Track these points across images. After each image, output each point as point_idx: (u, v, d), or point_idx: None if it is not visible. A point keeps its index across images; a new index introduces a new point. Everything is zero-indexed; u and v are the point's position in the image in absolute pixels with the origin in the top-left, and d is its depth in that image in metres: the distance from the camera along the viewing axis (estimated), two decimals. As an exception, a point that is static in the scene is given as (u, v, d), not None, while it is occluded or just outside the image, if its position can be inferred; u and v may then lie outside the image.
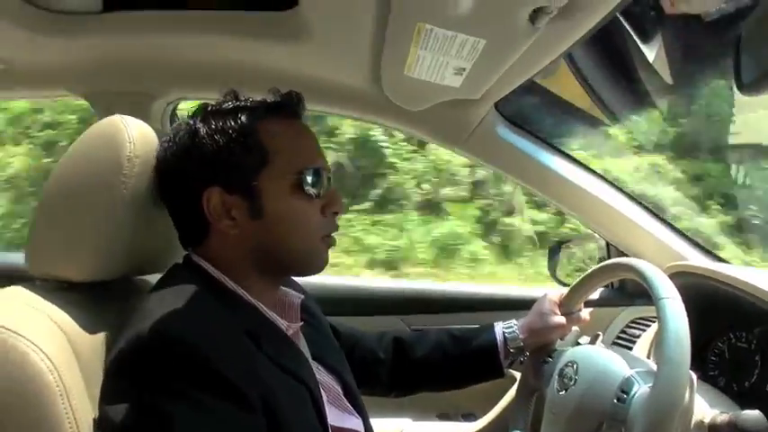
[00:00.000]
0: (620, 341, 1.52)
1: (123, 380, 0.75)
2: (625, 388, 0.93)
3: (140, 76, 1.42)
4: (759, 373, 1.19)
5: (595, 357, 1.04)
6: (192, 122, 0.91)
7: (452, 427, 1.63)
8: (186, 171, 0.90)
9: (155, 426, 0.70)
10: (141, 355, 0.74)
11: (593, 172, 1.49)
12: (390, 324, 1.59)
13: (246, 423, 0.75)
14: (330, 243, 0.98)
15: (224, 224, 0.90)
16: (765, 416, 0.95)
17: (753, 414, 0.89)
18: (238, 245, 0.91)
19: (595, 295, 1.64)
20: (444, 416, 1.68)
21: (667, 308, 0.88)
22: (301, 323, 1.00)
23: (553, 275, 1.76)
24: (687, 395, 0.89)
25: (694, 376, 0.91)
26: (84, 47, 1.32)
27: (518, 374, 1.30)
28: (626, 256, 1.50)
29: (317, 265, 0.97)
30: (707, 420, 0.94)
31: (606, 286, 1.69)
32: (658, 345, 0.85)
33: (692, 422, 0.95)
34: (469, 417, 1.66)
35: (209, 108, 0.94)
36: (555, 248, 1.84)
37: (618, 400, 0.92)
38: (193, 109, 0.96)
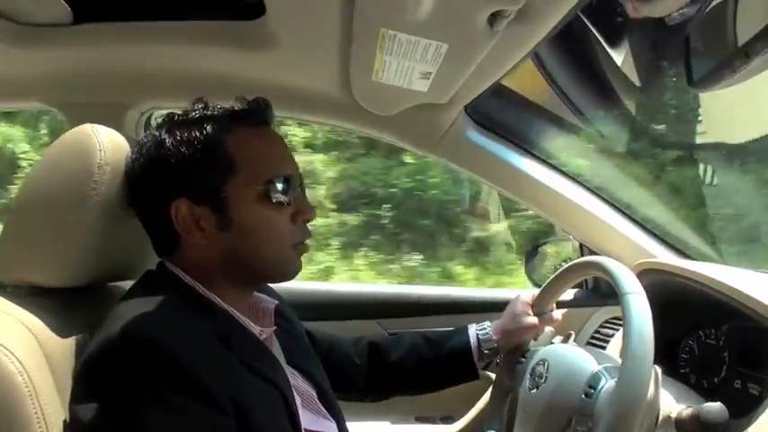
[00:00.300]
0: (593, 341, 1.54)
1: (93, 382, 0.75)
2: (593, 383, 0.95)
3: (113, 87, 1.42)
4: (727, 370, 1.21)
5: (565, 355, 1.05)
6: (158, 133, 0.91)
7: (430, 430, 1.63)
8: (154, 183, 0.90)
9: (125, 427, 0.70)
10: (111, 358, 0.74)
11: (564, 173, 1.51)
12: (367, 328, 1.60)
13: (217, 424, 0.75)
14: (302, 250, 0.97)
15: (194, 236, 0.90)
16: (731, 410, 0.97)
17: (715, 406, 0.91)
18: (209, 255, 0.91)
19: (569, 296, 1.66)
20: (423, 419, 1.68)
21: (631, 303, 0.89)
22: (275, 328, 1.00)
23: (530, 278, 1.78)
24: (652, 389, 0.91)
25: (659, 370, 0.93)
26: (55, 58, 1.33)
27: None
28: (596, 255, 1.52)
29: (289, 273, 0.97)
30: (673, 415, 0.96)
31: (580, 287, 1.71)
32: (623, 340, 0.87)
33: (659, 417, 0.96)
34: (448, 419, 1.66)
35: (176, 118, 0.94)
36: (531, 251, 1.86)
37: (585, 395, 0.94)
38: (160, 119, 0.96)
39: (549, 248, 1.82)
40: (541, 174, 1.50)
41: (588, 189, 1.53)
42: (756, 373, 1.13)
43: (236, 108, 0.95)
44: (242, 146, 0.91)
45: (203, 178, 0.89)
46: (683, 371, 1.31)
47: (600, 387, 0.93)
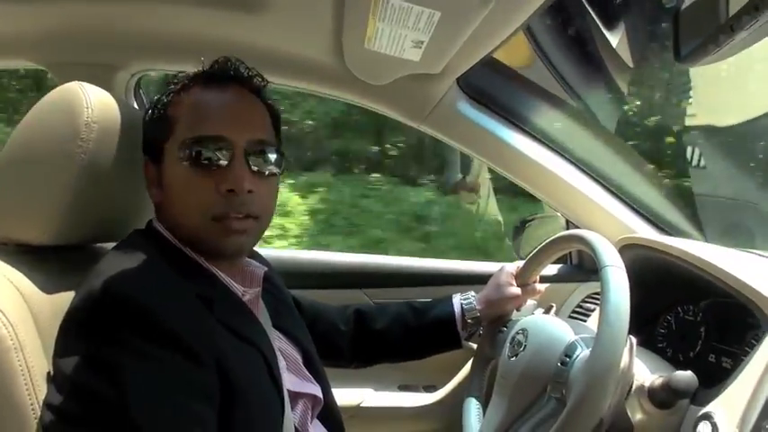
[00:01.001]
0: (575, 315, 1.57)
1: (75, 335, 0.76)
2: (568, 352, 0.97)
3: (102, 47, 1.40)
4: (702, 344, 1.24)
5: (544, 325, 1.08)
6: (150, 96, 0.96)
7: (412, 398, 1.66)
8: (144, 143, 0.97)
9: (105, 377, 0.71)
10: (92, 312, 0.75)
11: (553, 149, 1.52)
12: (354, 297, 1.61)
13: (197, 376, 0.76)
14: (229, 226, 0.88)
15: (151, 192, 0.94)
16: (704, 381, 1.00)
17: (685, 374, 0.93)
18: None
19: (554, 271, 1.69)
20: (405, 387, 1.71)
21: (610, 275, 0.91)
22: (258, 289, 1.01)
23: (517, 253, 1.80)
24: (626, 358, 0.93)
25: (634, 341, 0.95)
26: (43, 15, 1.31)
27: None
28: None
29: (212, 247, 0.90)
30: (647, 384, 0.98)
31: (564, 263, 1.74)
32: (599, 311, 0.89)
33: (633, 385, 0.99)
34: (430, 388, 1.69)
35: (166, 82, 0.97)
36: (519, 227, 1.88)
37: (561, 363, 0.96)
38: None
39: (536, 224, 1.85)
40: (530, 149, 1.51)
41: (576, 165, 1.54)
42: (730, 347, 1.16)
43: (199, 70, 0.97)
44: (182, 105, 0.92)
45: (149, 136, 0.94)
46: (660, 344, 1.34)
47: (575, 356, 0.96)
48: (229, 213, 0.87)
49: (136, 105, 1.50)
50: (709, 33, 0.67)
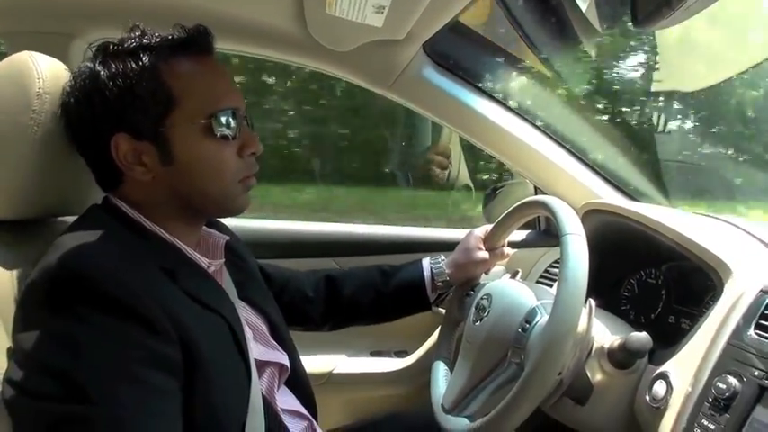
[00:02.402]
0: (543, 280, 1.59)
1: (32, 308, 0.75)
2: (529, 318, 0.99)
3: (56, 15, 1.34)
4: (663, 306, 1.27)
5: (508, 290, 1.09)
6: (92, 65, 0.87)
7: (384, 363, 1.69)
8: (91, 118, 0.87)
9: (63, 351, 0.70)
10: (49, 286, 0.74)
11: (520, 115, 1.52)
12: (324, 266, 1.61)
13: (157, 346, 0.75)
14: (249, 185, 0.96)
15: (135, 171, 0.88)
16: (663, 342, 1.03)
17: (640, 335, 0.96)
18: (154, 190, 0.90)
19: (522, 236, 1.71)
20: (377, 353, 1.74)
21: (569, 243, 0.92)
22: (223, 260, 1.00)
23: (488, 219, 1.82)
24: (585, 322, 0.95)
25: (593, 303, 0.97)
26: None
27: None
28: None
29: (236, 208, 0.96)
30: (606, 345, 1.01)
31: (532, 228, 1.76)
32: (558, 278, 0.90)
33: (593, 347, 1.02)
34: (401, 353, 1.72)
35: (111, 48, 0.88)
36: (490, 194, 1.90)
37: (522, 329, 0.98)
38: (94, 49, 0.90)
39: (506, 191, 1.86)
40: (497, 115, 1.51)
41: (542, 131, 1.54)
42: (689, 309, 1.20)
43: (175, 36, 0.90)
44: (181, 77, 0.87)
45: (141, 113, 0.86)
46: (624, 307, 1.37)
47: (535, 322, 0.98)
48: (250, 174, 0.95)
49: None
50: (662, -4, 0.67)
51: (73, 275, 0.74)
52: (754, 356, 0.85)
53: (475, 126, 1.51)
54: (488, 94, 1.50)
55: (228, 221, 1.16)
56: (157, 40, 0.89)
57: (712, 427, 0.82)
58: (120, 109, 0.85)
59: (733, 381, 0.83)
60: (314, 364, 1.60)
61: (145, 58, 0.86)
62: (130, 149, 0.87)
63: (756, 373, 0.82)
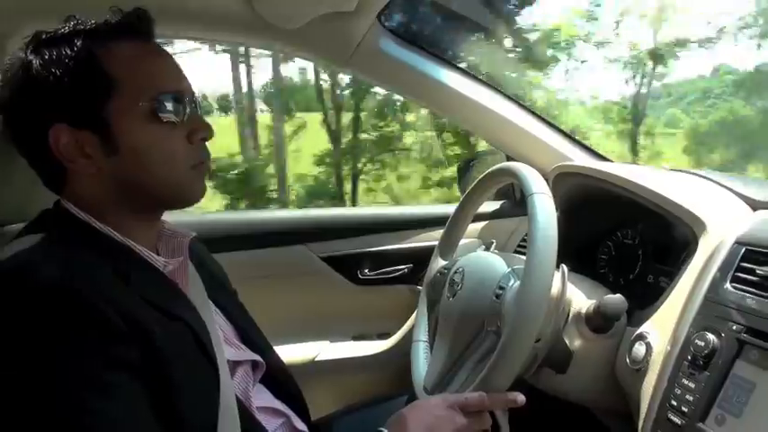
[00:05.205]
0: (520, 249, 1.57)
1: None
2: (502, 284, 0.96)
3: None
4: (641, 266, 1.25)
5: (479, 262, 1.06)
6: (24, 55, 0.82)
7: (367, 346, 1.67)
8: (25, 110, 0.82)
9: (13, 364, 0.68)
10: None
11: (483, 82, 1.48)
12: (297, 253, 1.58)
13: (113, 350, 0.72)
14: (203, 171, 0.92)
15: (79, 164, 0.83)
16: (642, 302, 1.01)
17: (614, 298, 0.94)
18: (100, 183, 0.85)
19: (496, 207, 1.68)
20: (360, 337, 1.71)
21: (536, 203, 0.88)
22: (182, 258, 0.96)
23: (463, 193, 1.79)
24: (558, 287, 0.93)
25: (566, 268, 0.94)
26: None
27: None
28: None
29: (191, 196, 0.92)
30: (583, 311, 0.98)
31: (507, 198, 1.73)
32: (527, 239, 0.87)
33: (570, 313, 0.99)
34: (384, 336, 1.70)
35: (43, 36, 0.83)
36: (465, 167, 1.86)
37: (496, 297, 0.95)
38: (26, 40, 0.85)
39: (480, 163, 1.83)
40: (460, 83, 1.46)
41: (508, 98, 1.50)
42: (667, 267, 1.17)
43: (112, 21, 0.86)
44: (120, 61, 0.83)
45: (79, 100, 0.81)
46: (602, 270, 1.35)
47: (508, 286, 0.95)
48: (203, 159, 0.91)
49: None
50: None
51: (22, 286, 0.70)
52: (733, 310, 0.82)
53: (439, 97, 1.47)
54: (451, 64, 1.46)
55: (195, 217, 1.11)
56: (92, 25, 0.84)
57: (692, 386, 0.80)
58: (56, 98, 0.81)
59: (711, 337, 0.81)
60: (296, 352, 1.57)
61: (79, 44, 0.81)
62: (71, 140, 0.82)
63: (735, 328, 0.80)
